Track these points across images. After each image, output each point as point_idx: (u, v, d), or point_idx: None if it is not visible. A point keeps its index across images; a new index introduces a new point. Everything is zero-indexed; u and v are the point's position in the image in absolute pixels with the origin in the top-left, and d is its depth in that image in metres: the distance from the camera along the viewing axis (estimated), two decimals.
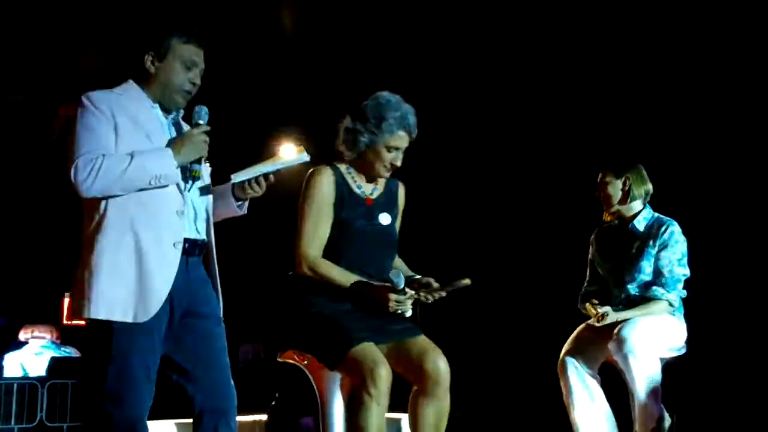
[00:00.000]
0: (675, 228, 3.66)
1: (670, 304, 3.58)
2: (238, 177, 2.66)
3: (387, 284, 2.90)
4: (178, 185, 2.54)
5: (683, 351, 3.66)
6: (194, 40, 2.63)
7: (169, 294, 2.48)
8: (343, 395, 2.96)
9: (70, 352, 6.54)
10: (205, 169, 2.70)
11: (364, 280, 2.96)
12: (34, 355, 6.44)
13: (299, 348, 3.01)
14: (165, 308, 2.48)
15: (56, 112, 7.51)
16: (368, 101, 3.07)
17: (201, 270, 2.65)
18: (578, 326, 3.74)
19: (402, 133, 3.02)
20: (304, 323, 2.96)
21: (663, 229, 3.65)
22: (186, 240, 2.54)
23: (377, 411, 2.74)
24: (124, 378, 2.43)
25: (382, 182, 3.16)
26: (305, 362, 3.05)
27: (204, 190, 2.66)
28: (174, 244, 2.51)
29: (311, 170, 3.06)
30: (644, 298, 3.60)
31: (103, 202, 2.48)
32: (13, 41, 6.65)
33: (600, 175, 3.79)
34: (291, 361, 3.10)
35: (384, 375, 2.75)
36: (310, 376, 3.10)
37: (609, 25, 5.57)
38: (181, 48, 2.60)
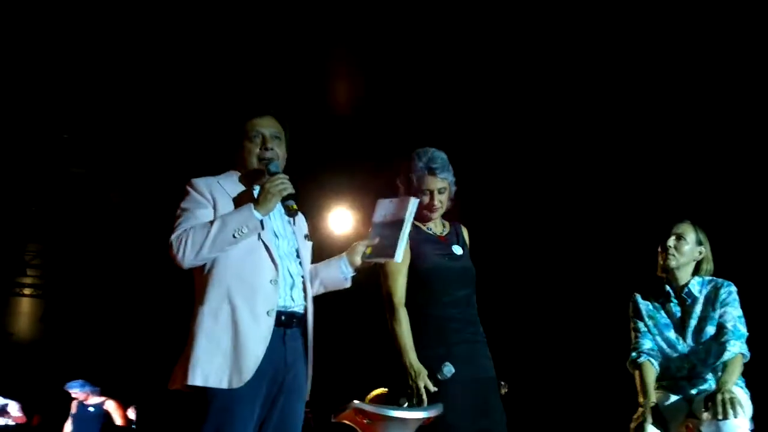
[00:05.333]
0: (733, 288, 3.58)
1: (744, 356, 3.44)
2: (399, 255, 2.86)
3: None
4: (272, 257, 2.65)
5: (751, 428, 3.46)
6: (256, 112, 2.81)
7: (269, 366, 2.56)
8: None
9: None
10: (306, 245, 2.85)
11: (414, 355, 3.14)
12: None
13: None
14: (263, 380, 2.56)
15: (114, 186, 7.78)
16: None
17: (298, 343, 2.73)
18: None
19: (429, 177, 3.29)
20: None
21: (722, 290, 3.56)
22: (282, 312, 2.64)
23: None
24: None
25: (446, 223, 3.47)
26: (365, 421, 3.05)
27: (302, 261, 2.79)
28: (267, 312, 2.60)
29: None
30: (714, 363, 3.49)
31: (204, 276, 2.63)
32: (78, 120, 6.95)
33: (676, 227, 3.65)
34: (348, 422, 3.10)
35: None
36: None
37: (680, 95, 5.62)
38: (246, 126, 2.79)
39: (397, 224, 2.88)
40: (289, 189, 2.66)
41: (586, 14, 5.43)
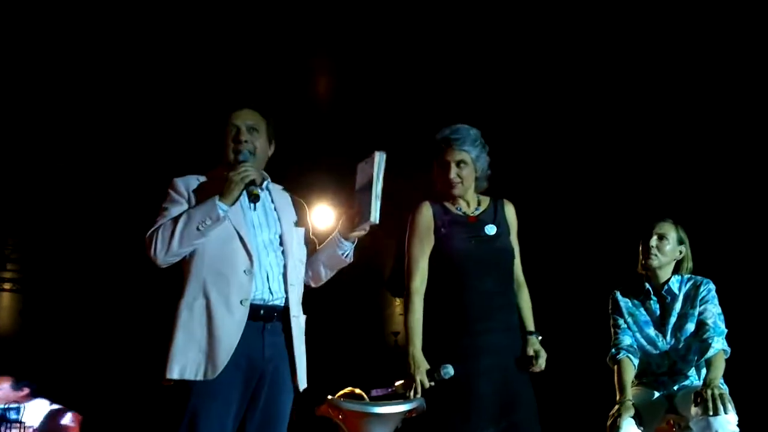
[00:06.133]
0: (712, 286, 3.62)
1: (725, 352, 3.48)
2: (374, 215, 2.71)
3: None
4: (246, 248, 2.66)
5: None
6: (234, 107, 2.82)
7: (244, 359, 2.58)
8: None
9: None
10: (293, 233, 2.83)
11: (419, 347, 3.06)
12: None
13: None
14: (238, 372, 2.58)
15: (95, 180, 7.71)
16: None
17: (280, 338, 2.72)
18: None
19: (446, 148, 3.19)
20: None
21: (702, 287, 3.60)
22: (261, 306, 2.65)
23: None
24: None
25: (484, 201, 3.31)
26: (340, 417, 3.06)
27: (286, 250, 2.77)
28: (241, 302, 2.61)
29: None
30: (696, 360, 3.53)
31: (183, 270, 2.66)
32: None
33: (658, 226, 3.66)
34: (327, 415, 3.11)
35: None
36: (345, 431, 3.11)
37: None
38: (224, 122, 2.81)
39: (369, 184, 2.75)
40: (252, 175, 2.67)
41: (575, 15, 5.48)
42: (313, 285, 2.98)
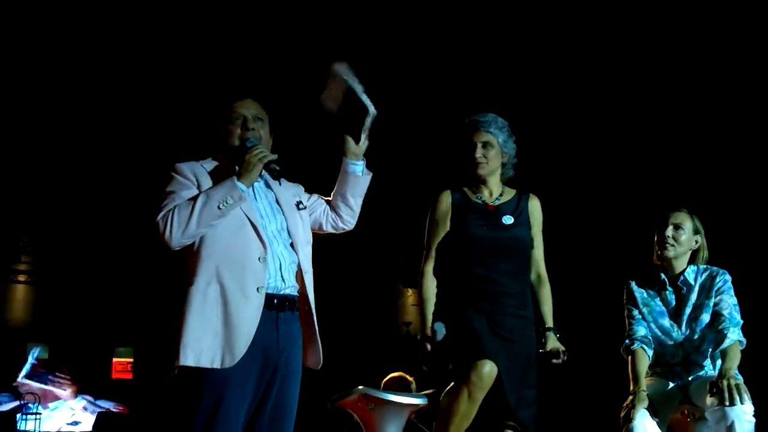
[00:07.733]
0: (728, 277, 3.60)
1: (741, 342, 3.46)
2: (371, 107, 2.85)
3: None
4: (259, 236, 2.65)
5: None
6: (236, 96, 2.83)
7: (259, 349, 2.57)
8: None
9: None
10: (297, 218, 2.82)
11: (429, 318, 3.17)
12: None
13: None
14: (254, 362, 2.57)
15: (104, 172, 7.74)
16: None
17: (292, 327, 2.72)
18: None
19: (473, 130, 3.30)
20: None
21: (718, 278, 3.58)
22: (274, 295, 2.64)
23: (467, 400, 2.94)
24: (211, 425, 2.50)
25: (508, 193, 3.39)
26: (371, 407, 3.07)
27: (294, 241, 2.77)
28: (257, 289, 2.60)
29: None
30: (711, 350, 3.52)
31: (193, 257, 2.63)
32: None
33: (673, 216, 3.64)
34: (348, 408, 3.12)
35: (487, 371, 2.92)
36: (362, 426, 3.11)
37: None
38: (228, 110, 2.80)
39: (349, 90, 2.85)
40: (269, 156, 2.70)
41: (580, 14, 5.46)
42: (350, 224, 3.02)
